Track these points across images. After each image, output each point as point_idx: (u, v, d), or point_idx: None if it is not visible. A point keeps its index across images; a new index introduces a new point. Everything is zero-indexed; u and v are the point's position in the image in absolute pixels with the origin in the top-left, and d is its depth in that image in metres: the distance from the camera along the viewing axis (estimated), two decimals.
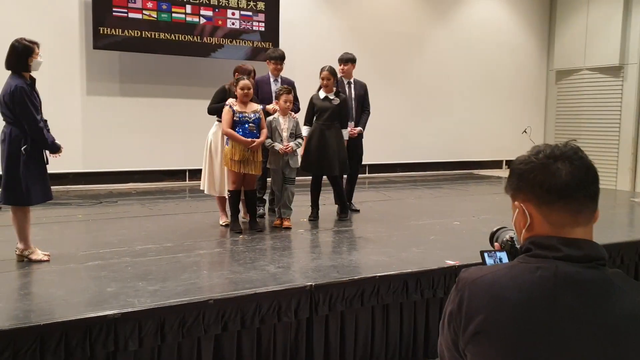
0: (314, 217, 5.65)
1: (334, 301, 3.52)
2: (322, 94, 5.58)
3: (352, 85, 6.18)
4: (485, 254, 1.51)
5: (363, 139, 6.24)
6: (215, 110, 5.37)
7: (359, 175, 6.50)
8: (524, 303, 1.15)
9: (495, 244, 1.62)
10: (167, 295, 3.19)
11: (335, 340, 3.61)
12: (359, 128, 6.10)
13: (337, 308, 3.55)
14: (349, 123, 6.00)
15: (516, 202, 1.28)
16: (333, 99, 5.55)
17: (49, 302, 3.15)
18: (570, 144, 1.25)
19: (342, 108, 5.60)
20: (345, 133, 5.74)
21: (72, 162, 7.35)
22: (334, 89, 5.59)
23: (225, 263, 4.20)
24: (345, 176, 6.22)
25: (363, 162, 6.52)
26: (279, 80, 5.81)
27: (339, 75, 6.03)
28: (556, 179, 1.20)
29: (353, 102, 6.15)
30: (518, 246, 1.35)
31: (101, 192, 7.41)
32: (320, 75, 5.57)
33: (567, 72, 11.41)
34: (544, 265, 1.18)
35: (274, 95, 5.61)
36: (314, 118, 5.62)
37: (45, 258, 3.95)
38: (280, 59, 5.81)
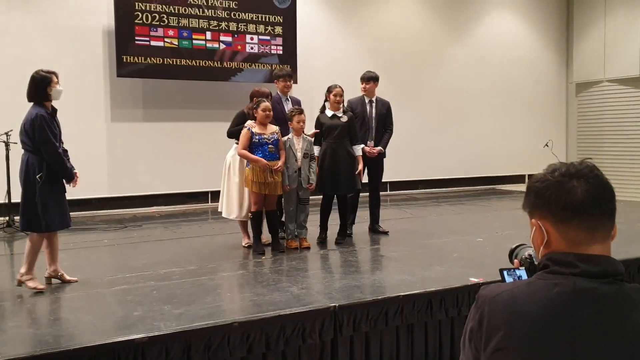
0: (322, 239, 5.52)
1: (358, 322, 3.52)
2: (329, 113, 5.55)
3: (374, 104, 6.13)
4: (505, 272, 1.51)
5: (385, 158, 6.16)
6: (235, 132, 5.43)
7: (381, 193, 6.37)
8: (543, 319, 1.16)
9: (515, 260, 1.62)
10: (192, 319, 3.22)
11: None
12: (379, 147, 6.02)
13: (362, 328, 3.54)
14: (368, 142, 6.00)
15: (533, 220, 1.29)
16: (341, 117, 5.55)
17: (78, 327, 3.21)
18: (585, 162, 1.26)
19: (350, 125, 5.58)
20: (359, 149, 5.67)
21: (97, 187, 7.52)
22: (341, 107, 5.61)
23: (248, 285, 4.21)
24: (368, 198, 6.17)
25: (384, 180, 6.43)
26: (290, 99, 5.87)
27: (361, 93, 6.08)
28: (572, 196, 1.21)
29: (373, 121, 6.10)
30: (536, 263, 1.36)
31: (126, 216, 7.53)
32: (330, 92, 5.54)
33: (587, 85, 11.31)
34: (562, 282, 1.19)
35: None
36: (322, 137, 5.56)
37: (41, 287, 3.95)
38: (288, 75, 5.91)
